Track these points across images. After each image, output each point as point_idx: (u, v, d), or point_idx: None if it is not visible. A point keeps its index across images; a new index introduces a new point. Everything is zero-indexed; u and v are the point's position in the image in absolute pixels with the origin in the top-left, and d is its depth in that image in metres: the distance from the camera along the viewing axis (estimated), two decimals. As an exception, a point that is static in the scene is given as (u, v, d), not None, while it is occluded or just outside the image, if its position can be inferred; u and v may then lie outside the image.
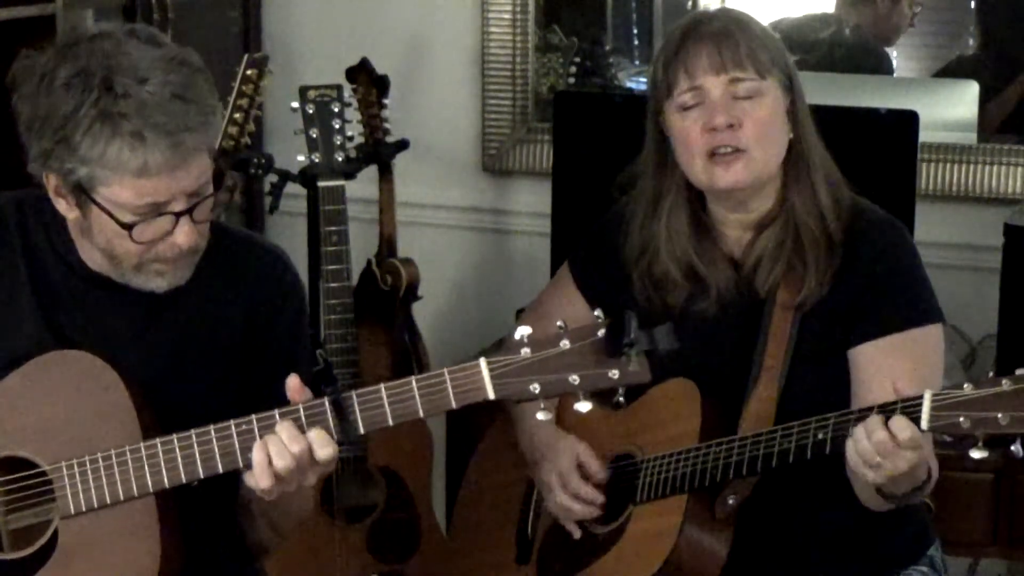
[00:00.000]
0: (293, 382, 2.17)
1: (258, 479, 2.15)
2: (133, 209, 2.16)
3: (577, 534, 2.68)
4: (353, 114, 3.48)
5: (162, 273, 2.24)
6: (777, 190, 2.58)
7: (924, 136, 3.33)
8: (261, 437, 2.15)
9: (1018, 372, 2.19)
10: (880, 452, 2.28)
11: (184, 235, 2.19)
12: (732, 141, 2.52)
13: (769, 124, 2.54)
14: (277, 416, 2.15)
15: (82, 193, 2.18)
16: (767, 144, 2.54)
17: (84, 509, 2.20)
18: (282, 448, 2.14)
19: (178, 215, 2.18)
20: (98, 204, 2.17)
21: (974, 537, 3.21)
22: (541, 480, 2.69)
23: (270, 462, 2.14)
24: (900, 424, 2.26)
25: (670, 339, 2.06)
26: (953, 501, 3.12)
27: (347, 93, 3.46)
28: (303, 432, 2.14)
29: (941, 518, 2.96)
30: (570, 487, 2.65)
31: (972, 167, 3.63)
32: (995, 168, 3.62)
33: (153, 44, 2.18)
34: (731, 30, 2.54)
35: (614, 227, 2.71)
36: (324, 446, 2.14)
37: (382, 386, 2.14)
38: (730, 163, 2.52)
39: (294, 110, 3.39)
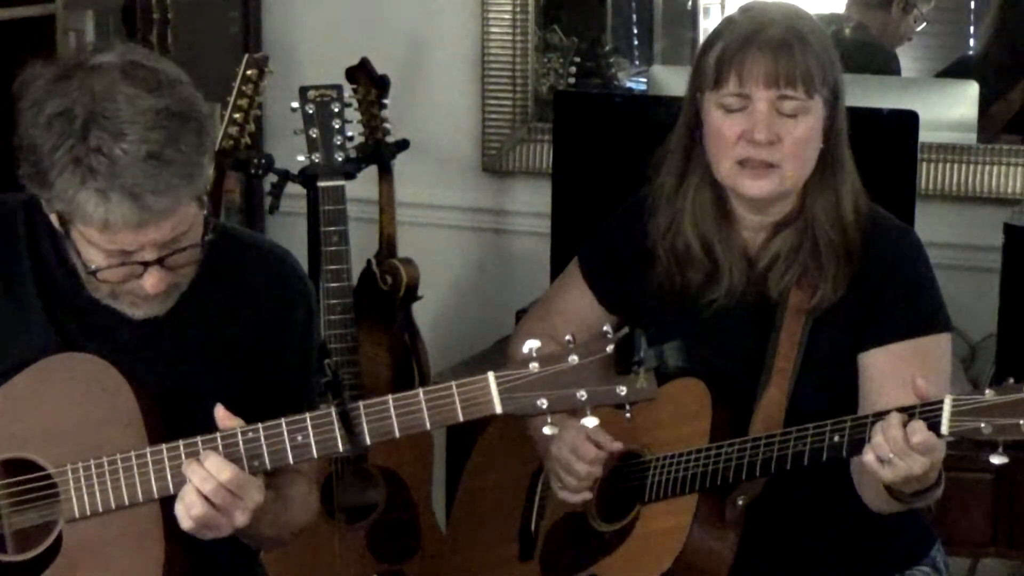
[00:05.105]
0: (220, 411, 2.17)
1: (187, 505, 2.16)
2: (105, 252, 2.14)
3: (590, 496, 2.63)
4: (353, 114, 3.48)
5: (137, 305, 2.22)
6: (798, 194, 2.58)
7: (924, 136, 3.33)
8: (267, 445, 2.16)
9: None
10: (893, 449, 2.28)
11: (151, 284, 2.16)
12: (767, 156, 2.51)
13: (806, 142, 2.52)
14: (284, 424, 2.16)
15: (62, 221, 2.17)
16: (800, 161, 2.53)
17: (88, 513, 2.20)
18: (206, 475, 2.14)
19: (147, 264, 2.15)
20: (71, 240, 2.17)
21: (974, 537, 3.20)
22: (554, 458, 2.62)
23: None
24: (914, 427, 2.26)
25: (679, 356, 2.07)
26: (953, 501, 3.12)
27: (347, 93, 3.45)
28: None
29: (941, 518, 2.96)
30: (583, 454, 2.57)
31: (972, 167, 3.63)
32: (995, 168, 3.62)
33: (148, 90, 2.10)
34: (791, 43, 2.50)
35: (634, 214, 2.70)
36: (222, 470, 2.13)
37: (389, 398, 2.15)
38: (760, 175, 2.52)
39: (294, 110, 3.38)
